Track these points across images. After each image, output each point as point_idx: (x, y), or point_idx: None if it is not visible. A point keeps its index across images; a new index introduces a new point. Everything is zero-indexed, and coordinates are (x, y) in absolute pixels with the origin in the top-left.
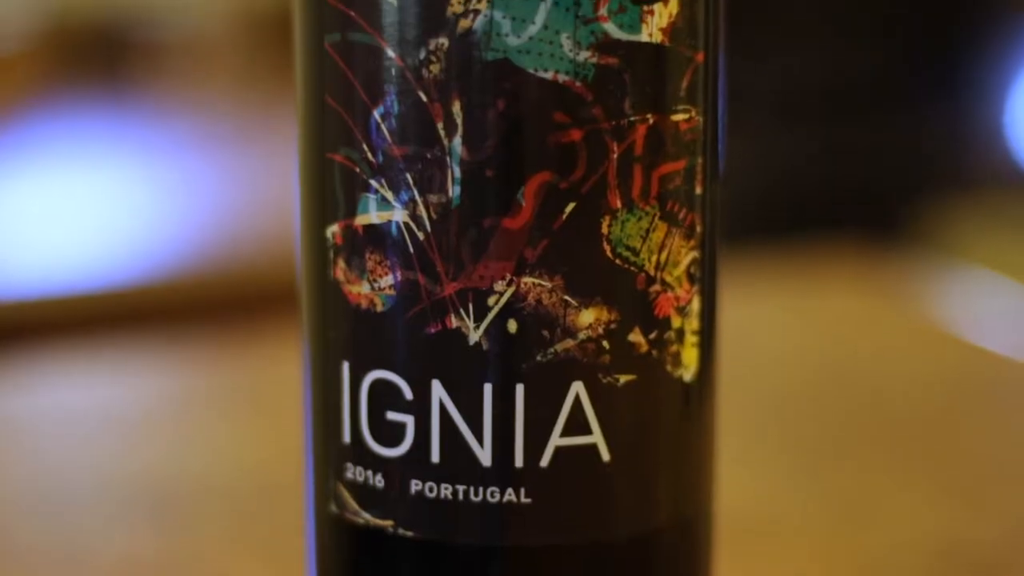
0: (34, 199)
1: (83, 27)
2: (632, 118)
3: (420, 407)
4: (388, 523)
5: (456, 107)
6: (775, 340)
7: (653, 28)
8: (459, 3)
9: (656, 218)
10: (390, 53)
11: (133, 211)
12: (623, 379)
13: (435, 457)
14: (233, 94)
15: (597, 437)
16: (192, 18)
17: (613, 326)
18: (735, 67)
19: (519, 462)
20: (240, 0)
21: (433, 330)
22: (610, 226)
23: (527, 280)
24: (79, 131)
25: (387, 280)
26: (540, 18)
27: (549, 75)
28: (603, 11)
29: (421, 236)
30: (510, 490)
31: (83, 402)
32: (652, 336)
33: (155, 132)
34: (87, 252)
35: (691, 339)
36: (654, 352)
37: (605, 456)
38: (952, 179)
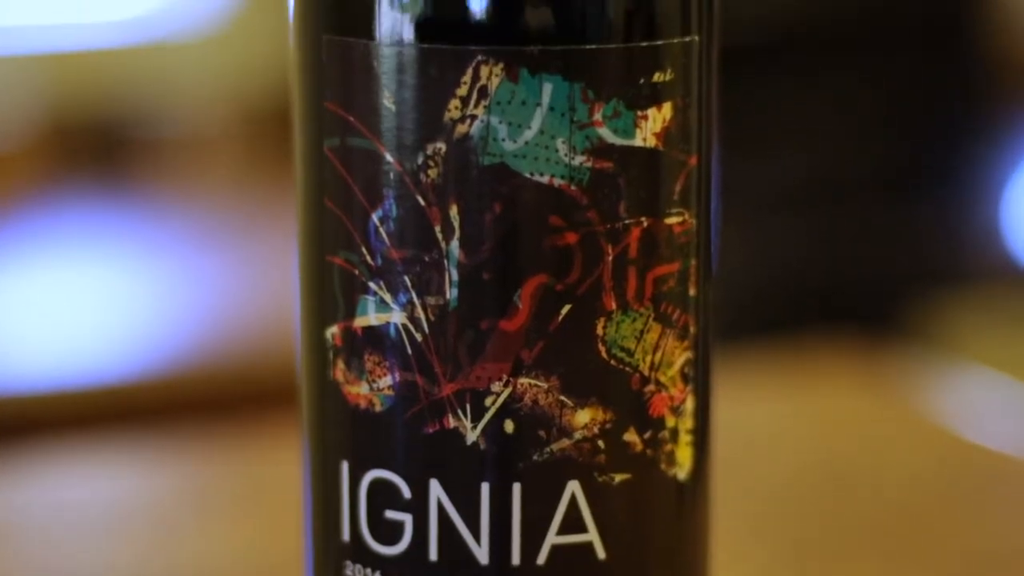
0: (34, 295)
1: (82, 124)
2: (627, 221)
3: (418, 506)
4: None
5: (454, 211)
6: (771, 436)
7: (647, 133)
8: (456, 109)
9: (650, 319)
10: (388, 157)
11: (132, 307)
12: (618, 478)
13: (433, 555)
14: (231, 190)
15: (593, 535)
16: (190, 115)
17: (608, 426)
18: (731, 160)
19: (516, 560)
20: (238, 97)
21: (431, 430)
22: (605, 327)
23: (524, 381)
24: (79, 227)
25: (386, 381)
26: (536, 123)
27: (545, 179)
28: (598, 116)
29: (419, 337)
30: None
31: (81, 498)
32: (647, 436)
33: (154, 228)
34: (86, 348)
35: (685, 438)
36: (649, 451)
37: (601, 554)
38: (949, 274)
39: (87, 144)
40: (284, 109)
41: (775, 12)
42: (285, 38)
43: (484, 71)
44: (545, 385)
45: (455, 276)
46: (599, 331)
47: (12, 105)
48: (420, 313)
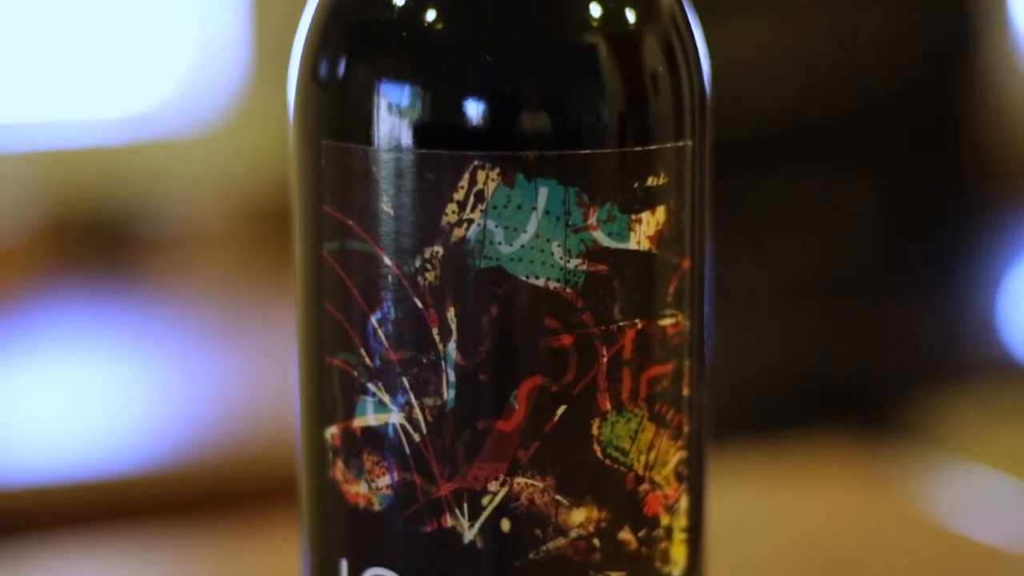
0: (33, 389)
1: (82, 221)
2: (621, 323)
3: None
4: None
5: (451, 313)
6: (766, 528)
7: (641, 236)
8: (453, 213)
9: (645, 419)
10: (387, 261)
11: (131, 402)
12: None
13: None
14: (231, 287)
15: None
16: (190, 212)
17: (603, 524)
18: (728, 255)
19: None
20: (237, 194)
21: (429, 529)
22: (600, 428)
23: (520, 480)
24: (78, 323)
25: (384, 480)
26: (532, 227)
27: (541, 282)
28: (592, 220)
29: (417, 438)
30: None
31: None
32: (641, 534)
33: (154, 324)
34: (84, 442)
35: (680, 536)
36: (643, 550)
37: None
38: (945, 371)
39: (87, 240)
40: (284, 206)
41: (776, 109)
42: (285, 136)
43: (481, 176)
44: (541, 484)
45: (452, 377)
46: (594, 431)
47: (12, 202)
48: (418, 414)
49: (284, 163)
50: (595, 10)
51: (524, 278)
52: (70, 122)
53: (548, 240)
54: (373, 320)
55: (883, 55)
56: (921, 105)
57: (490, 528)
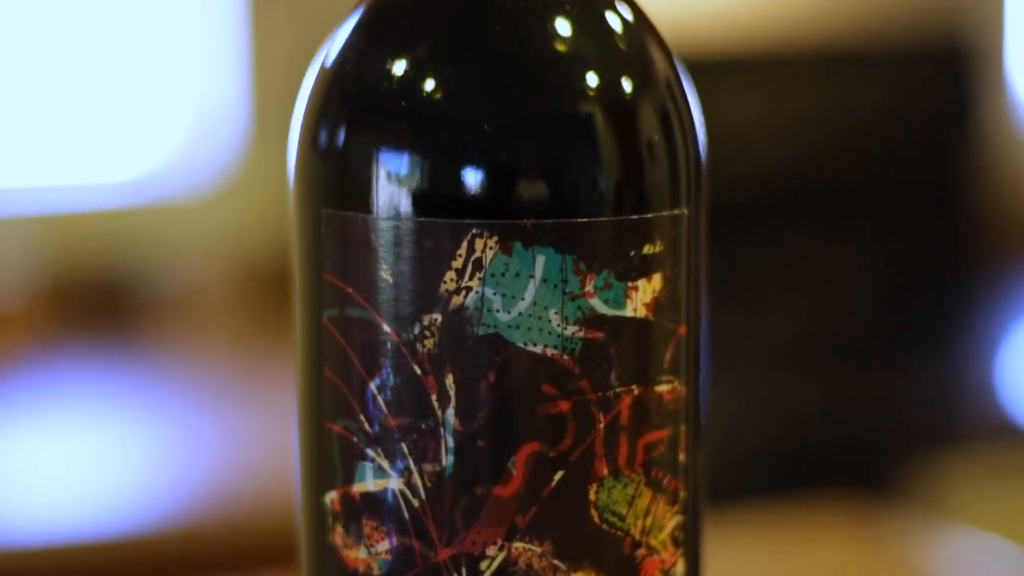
0: (34, 452)
1: (82, 285)
2: (618, 390)
3: None
4: None
5: (449, 380)
6: None
7: (637, 303)
8: (452, 280)
9: (641, 485)
10: (386, 328)
11: (131, 465)
12: None
13: None
14: (231, 350)
15: None
16: (190, 275)
17: None
18: (723, 318)
19: None
20: (237, 258)
21: None
22: (597, 493)
23: (518, 545)
24: (79, 385)
25: (383, 545)
26: (529, 295)
27: (538, 349)
28: (589, 287)
29: (416, 503)
30: None
31: None
32: None
33: (154, 387)
34: (86, 504)
35: None
36: None
37: None
38: (943, 434)
39: (88, 304)
40: (283, 270)
41: (774, 172)
42: (284, 200)
43: (479, 244)
44: (539, 549)
45: (451, 443)
46: (591, 496)
47: (13, 265)
48: (417, 479)
49: (283, 227)
50: (592, 80)
51: (522, 345)
52: (71, 186)
53: (546, 307)
54: (372, 386)
55: (880, 119)
56: (919, 170)
57: None
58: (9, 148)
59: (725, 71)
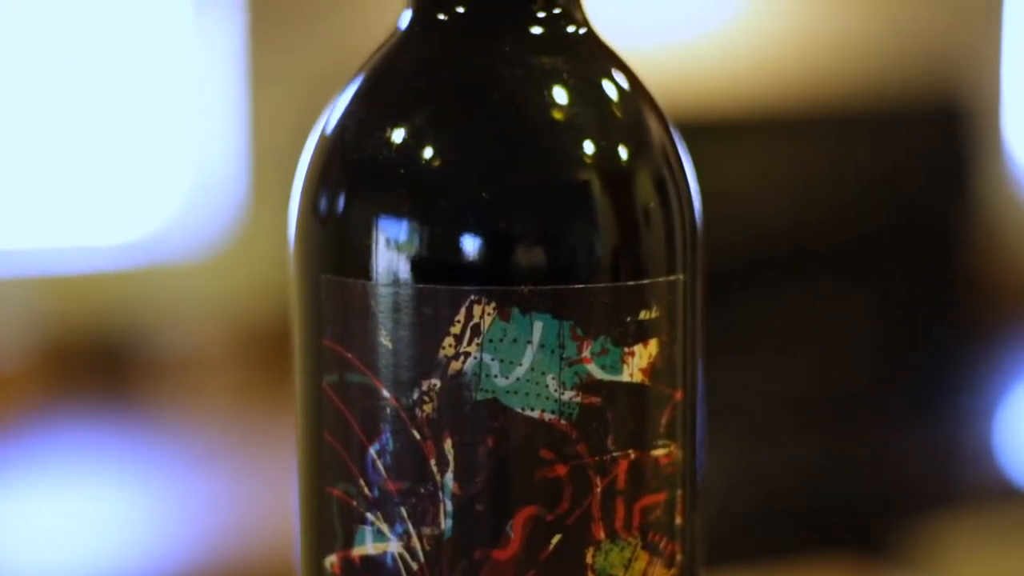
0: (33, 514)
1: (82, 346)
2: (614, 454)
3: None
4: None
5: (448, 444)
6: None
7: (634, 368)
8: (450, 346)
9: (638, 548)
10: (385, 393)
11: (130, 526)
12: None
13: None
14: (230, 412)
15: None
16: (189, 337)
17: None
18: (721, 378)
19: None
20: (236, 319)
21: None
22: (594, 556)
23: None
24: (78, 446)
25: None
26: (527, 360)
27: (536, 414)
28: (586, 353)
29: (415, 567)
30: None
31: None
32: None
33: (153, 448)
34: (84, 565)
35: None
36: None
37: None
38: (942, 495)
39: (87, 365)
40: (282, 331)
41: (772, 231)
42: (282, 262)
43: (477, 310)
44: None
45: (449, 507)
46: (588, 560)
47: (12, 327)
48: (416, 543)
49: (282, 289)
50: (588, 148)
51: (519, 410)
52: (70, 248)
53: (543, 373)
54: (372, 451)
55: (878, 180)
56: (916, 230)
57: None
58: (9, 209)
59: (723, 132)
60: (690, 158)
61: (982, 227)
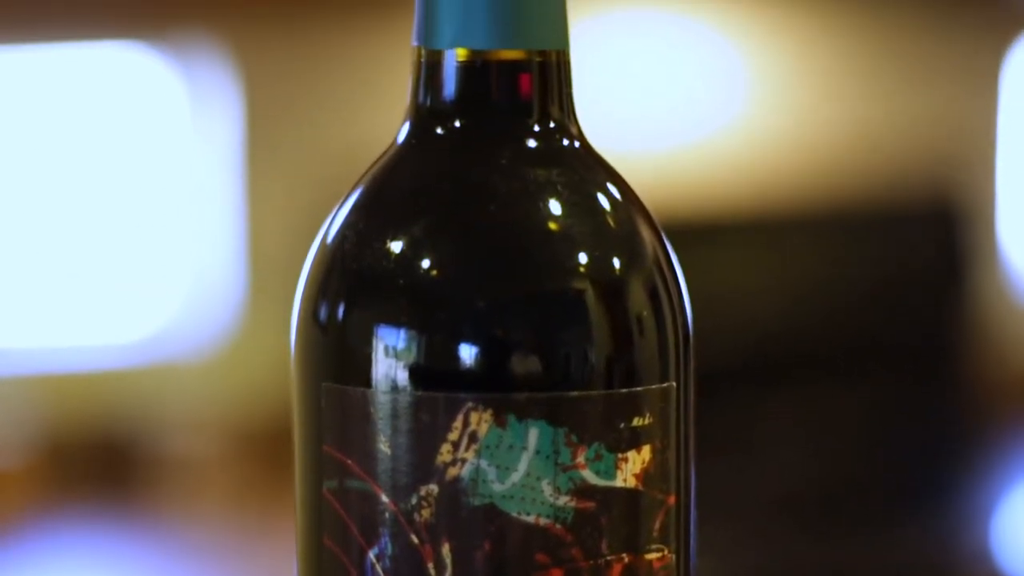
0: None
1: (81, 445)
2: (608, 558)
3: None
4: None
5: (445, 549)
6: None
7: (627, 474)
8: (448, 452)
9: None
10: (384, 498)
11: None
12: None
13: None
14: (229, 512)
15: None
16: (189, 437)
17: None
18: (713, 484)
19: None
20: (236, 419)
21: None
22: None
23: None
24: (76, 546)
25: None
26: (523, 466)
27: (531, 519)
28: (581, 459)
29: None
30: None
31: None
32: None
33: (152, 548)
34: None
35: None
36: None
37: None
38: None
39: (85, 464)
40: (282, 433)
41: (770, 335)
42: (281, 362)
43: (474, 417)
44: None
45: None
46: None
47: (12, 425)
48: None
49: (280, 390)
50: (582, 258)
51: (515, 515)
52: (69, 347)
53: (538, 478)
54: (371, 556)
55: (873, 281)
56: (912, 331)
57: None
58: (9, 309)
59: (717, 234)
60: (684, 260)
61: (978, 329)
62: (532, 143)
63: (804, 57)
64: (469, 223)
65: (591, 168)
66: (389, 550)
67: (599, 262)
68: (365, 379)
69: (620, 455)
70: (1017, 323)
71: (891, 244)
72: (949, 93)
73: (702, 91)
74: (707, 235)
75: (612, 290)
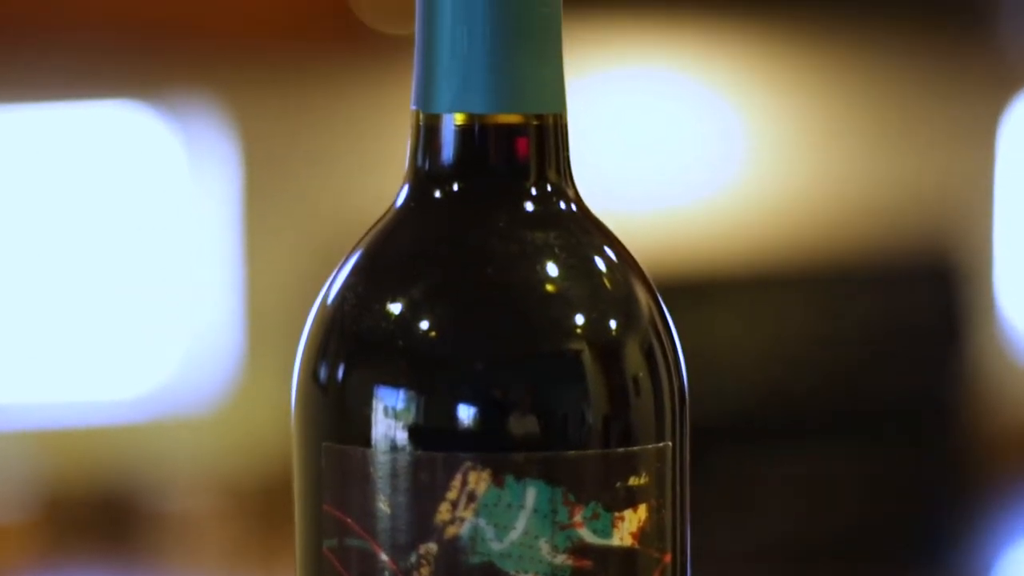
0: None
1: (79, 499)
2: None
3: None
4: None
5: None
6: None
7: (624, 532)
8: (447, 511)
9: None
10: (383, 557)
11: None
12: None
13: None
14: (228, 566)
15: None
16: (189, 492)
17: None
18: (709, 541)
19: None
20: (236, 474)
21: None
22: None
23: None
24: None
25: None
26: (521, 524)
27: None
28: (578, 518)
29: None
30: None
31: None
32: None
33: None
34: None
35: None
36: None
37: None
38: None
39: (84, 519)
40: (280, 489)
41: (767, 391)
42: (278, 418)
43: (472, 477)
44: None
45: None
46: None
47: (10, 480)
48: None
49: (279, 445)
50: (579, 319)
51: (514, 573)
52: (69, 403)
53: (536, 537)
54: None
55: (870, 339)
56: (909, 390)
57: None
58: (9, 364)
59: (713, 292)
60: (681, 320)
61: (976, 387)
62: (529, 206)
63: (800, 116)
64: (467, 286)
65: (587, 231)
66: None
67: (596, 323)
68: (365, 439)
69: (617, 514)
70: (1015, 381)
71: (889, 303)
72: (947, 152)
73: (699, 149)
74: (705, 294)
75: (609, 351)
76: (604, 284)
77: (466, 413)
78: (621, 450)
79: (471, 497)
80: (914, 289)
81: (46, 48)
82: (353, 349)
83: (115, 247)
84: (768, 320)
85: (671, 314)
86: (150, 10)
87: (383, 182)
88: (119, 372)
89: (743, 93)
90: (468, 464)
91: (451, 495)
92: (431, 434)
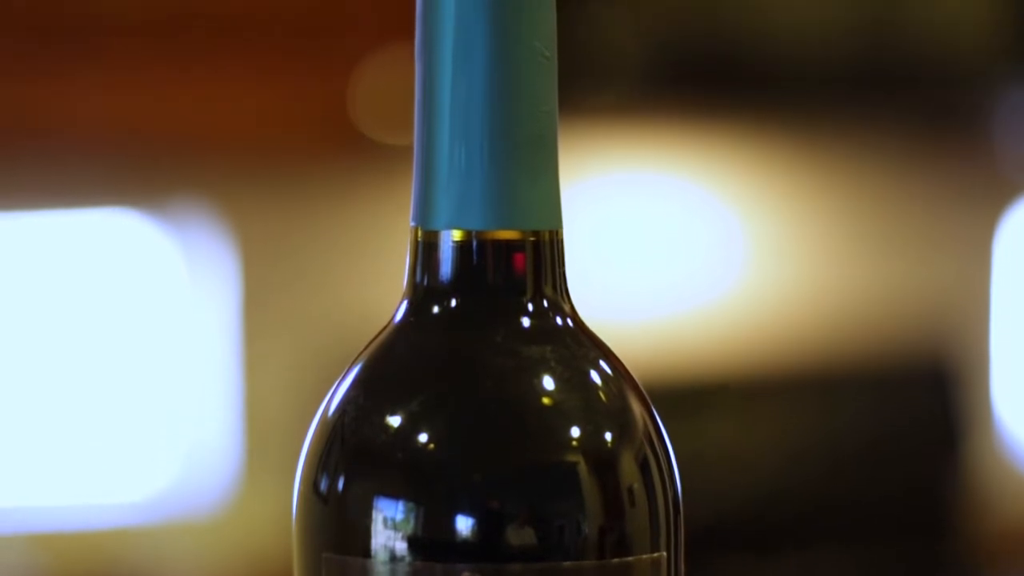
0: None
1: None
2: None
3: None
4: None
5: None
6: None
7: None
8: None
9: None
10: None
11: None
12: None
13: None
14: None
15: None
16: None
17: None
18: None
19: None
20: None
21: None
22: None
23: None
24: None
25: None
26: None
27: None
28: None
29: None
30: None
31: None
32: None
33: None
34: None
35: None
36: None
37: None
38: None
39: None
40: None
41: (759, 498)
42: (276, 523)
43: None
44: None
45: None
46: None
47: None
48: None
49: (279, 552)
50: (575, 432)
51: None
52: (68, 507)
53: None
54: None
55: (866, 443)
56: (907, 494)
57: None
58: (8, 468)
59: (708, 397)
60: (679, 425)
61: (974, 491)
62: (526, 321)
63: (797, 222)
64: (465, 399)
65: (582, 344)
66: None
67: (591, 436)
68: (365, 549)
69: None
70: (1013, 485)
71: (886, 408)
72: (944, 258)
73: (696, 255)
74: (701, 399)
75: (604, 463)
76: (599, 397)
77: (464, 524)
78: (616, 560)
79: None
80: (911, 395)
81: (45, 156)
82: (353, 460)
83: (115, 354)
84: (764, 425)
85: (669, 420)
86: (149, 119)
87: (382, 290)
88: (120, 476)
89: (740, 199)
90: (466, 574)
91: None
92: (430, 544)
